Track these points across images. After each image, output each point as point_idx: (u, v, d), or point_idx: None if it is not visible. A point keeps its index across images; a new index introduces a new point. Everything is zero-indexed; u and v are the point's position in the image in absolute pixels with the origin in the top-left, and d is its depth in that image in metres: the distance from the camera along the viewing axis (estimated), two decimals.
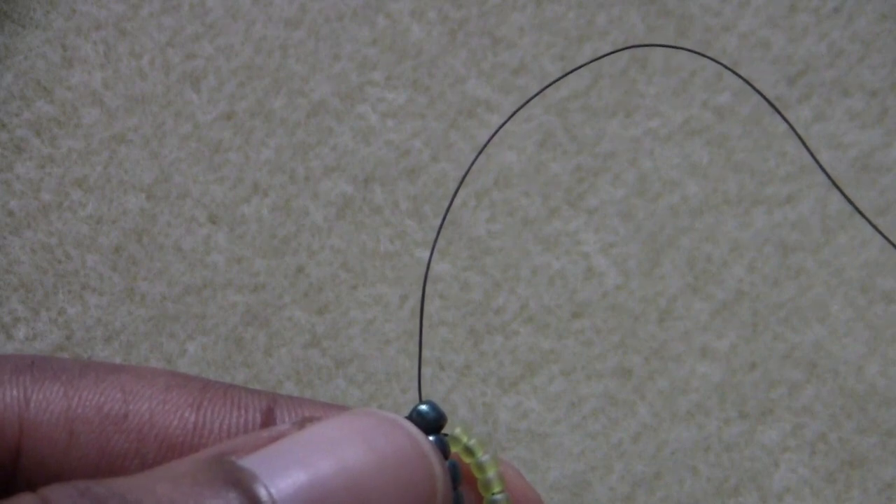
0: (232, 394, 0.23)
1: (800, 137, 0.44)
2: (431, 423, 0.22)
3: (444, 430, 0.23)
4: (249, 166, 0.42)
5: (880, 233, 0.42)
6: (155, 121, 0.42)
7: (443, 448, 0.22)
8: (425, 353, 0.41)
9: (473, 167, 0.43)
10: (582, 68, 0.44)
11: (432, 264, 0.42)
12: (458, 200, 0.43)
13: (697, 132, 0.44)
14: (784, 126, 0.44)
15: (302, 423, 0.21)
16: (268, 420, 0.23)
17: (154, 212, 0.41)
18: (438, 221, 0.42)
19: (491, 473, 0.23)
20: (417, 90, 0.44)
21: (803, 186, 0.43)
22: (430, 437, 0.22)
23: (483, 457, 0.23)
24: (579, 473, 0.40)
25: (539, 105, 0.44)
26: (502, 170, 0.43)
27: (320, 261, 0.41)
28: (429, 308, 0.42)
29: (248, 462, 0.19)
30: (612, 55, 0.45)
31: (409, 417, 0.22)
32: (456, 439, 0.23)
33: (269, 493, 0.19)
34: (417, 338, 0.41)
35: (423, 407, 0.22)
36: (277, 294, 0.41)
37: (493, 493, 0.23)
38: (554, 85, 0.45)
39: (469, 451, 0.23)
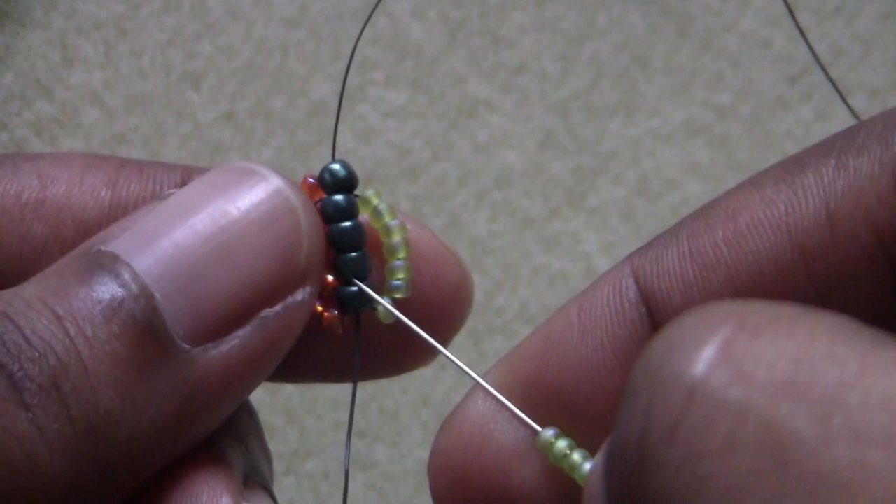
0: (148, 169, 0.22)
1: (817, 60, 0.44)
2: (342, 182, 0.21)
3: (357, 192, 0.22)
4: None
5: None
6: (155, 120, 0.42)
7: (352, 207, 0.21)
8: None
9: (473, 166, 0.43)
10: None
11: None
12: (458, 200, 0.43)
13: (698, 132, 0.44)
14: (784, 126, 0.45)
15: (166, 196, 0.20)
16: None
17: None
18: (439, 221, 0.42)
19: (396, 238, 0.22)
20: (418, 90, 0.44)
21: None
22: (340, 196, 0.21)
23: (391, 221, 0.21)
24: None
25: (540, 105, 0.44)
26: (503, 170, 0.43)
27: None
28: None
29: (113, 246, 0.19)
30: (611, 54, 0.44)
31: (320, 176, 0.21)
32: (367, 201, 0.22)
33: (131, 269, 0.18)
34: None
35: (335, 165, 0.21)
36: None
37: (395, 259, 0.22)
38: (555, 85, 0.45)
39: (378, 214, 0.22)
